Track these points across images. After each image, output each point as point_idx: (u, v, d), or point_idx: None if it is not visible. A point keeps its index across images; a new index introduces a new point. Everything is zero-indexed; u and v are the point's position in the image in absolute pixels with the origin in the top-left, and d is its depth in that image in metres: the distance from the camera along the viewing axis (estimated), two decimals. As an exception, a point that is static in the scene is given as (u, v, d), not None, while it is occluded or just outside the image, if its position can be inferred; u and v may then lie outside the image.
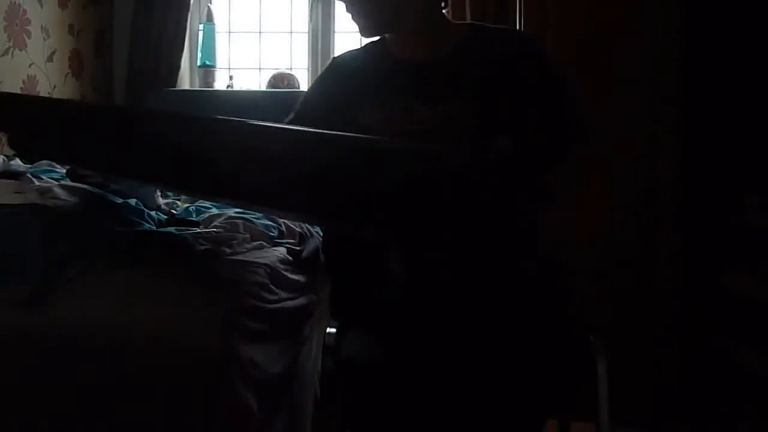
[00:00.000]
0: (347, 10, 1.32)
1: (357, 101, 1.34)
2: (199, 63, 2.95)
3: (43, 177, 1.57)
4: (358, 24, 1.32)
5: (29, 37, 2.33)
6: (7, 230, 1.18)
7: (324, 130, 1.21)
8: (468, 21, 1.40)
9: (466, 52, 1.32)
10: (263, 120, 0.96)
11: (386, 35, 1.38)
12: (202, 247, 1.29)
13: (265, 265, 1.26)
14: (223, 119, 0.95)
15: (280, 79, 2.87)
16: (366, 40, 1.42)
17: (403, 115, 1.30)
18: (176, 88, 2.81)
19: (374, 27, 1.33)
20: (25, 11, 2.30)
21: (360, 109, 1.33)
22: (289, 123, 1.41)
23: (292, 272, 1.37)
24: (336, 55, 1.52)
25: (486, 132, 1.20)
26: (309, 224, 1.61)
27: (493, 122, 1.25)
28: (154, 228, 1.36)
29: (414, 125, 1.28)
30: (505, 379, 1.16)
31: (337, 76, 1.41)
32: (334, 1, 2.98)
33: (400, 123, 1.29)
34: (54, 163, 1.69)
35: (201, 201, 2.13)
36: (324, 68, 1.47)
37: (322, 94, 1.42)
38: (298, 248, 1.49)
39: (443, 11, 1.37)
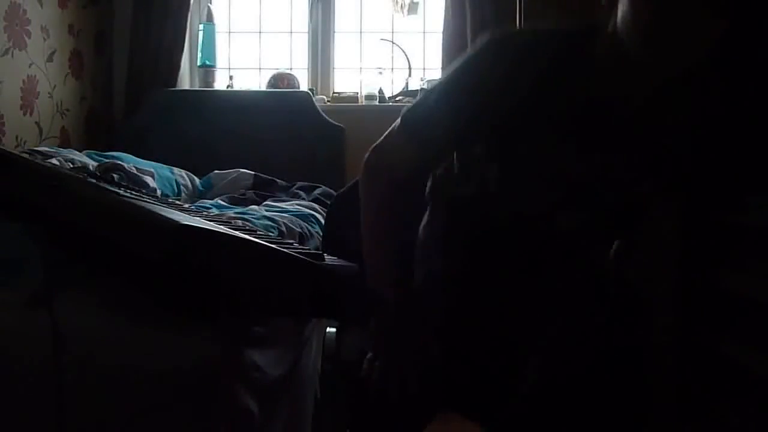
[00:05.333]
0: None
1: (530, 119, 1.08)
2: (199, 63, 2.95)
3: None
4: None
5: (29, 37, 2.33)
6: (8, 232, 1.18)
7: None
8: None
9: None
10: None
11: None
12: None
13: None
14: None
15: (280, 79, 2.87)
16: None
17: (574, 161, 1.13)
18: (176, 88, 2.81)
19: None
20: (25, 11, 2.30)
21: (527, 132, 1.09)
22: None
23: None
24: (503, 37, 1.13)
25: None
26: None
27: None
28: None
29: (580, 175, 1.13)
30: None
31: (511, 74, 1.08)
32: (334, 1, 2.98)
33: (567, 169, 1.12)
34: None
35: (200, 201, 2.14)
36: (491, 52, 1.10)
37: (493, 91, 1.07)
38: (298, 249, 1.49)
39: None
